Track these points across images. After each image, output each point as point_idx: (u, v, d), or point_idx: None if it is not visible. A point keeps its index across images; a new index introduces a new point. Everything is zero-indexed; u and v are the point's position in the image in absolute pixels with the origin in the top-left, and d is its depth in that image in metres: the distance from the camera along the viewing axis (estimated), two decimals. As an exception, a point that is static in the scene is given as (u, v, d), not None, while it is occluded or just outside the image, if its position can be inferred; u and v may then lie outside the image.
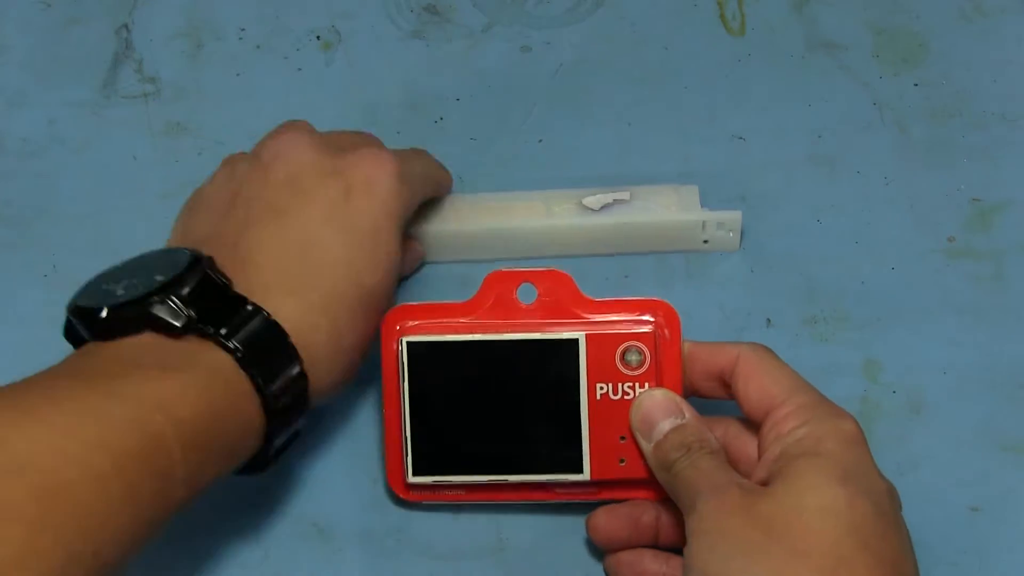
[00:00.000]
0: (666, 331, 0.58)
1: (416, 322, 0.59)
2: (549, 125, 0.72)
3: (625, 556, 0.58)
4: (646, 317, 0.58)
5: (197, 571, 0.60)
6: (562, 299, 0.59)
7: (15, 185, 0.70)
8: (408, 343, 0.58)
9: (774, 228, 0.68)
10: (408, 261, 0.65)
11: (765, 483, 0.52)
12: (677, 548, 0.58)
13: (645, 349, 0.57)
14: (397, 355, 0.58)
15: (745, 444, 0.56)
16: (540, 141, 0.71)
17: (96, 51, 0.73)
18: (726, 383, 0.57)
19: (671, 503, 0.56)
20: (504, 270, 0.59)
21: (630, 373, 0.57)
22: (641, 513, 0.58)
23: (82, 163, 0.70)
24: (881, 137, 0.71)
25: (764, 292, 0.66)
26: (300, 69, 0.73)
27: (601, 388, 0.57)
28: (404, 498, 0.60)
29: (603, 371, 0.57)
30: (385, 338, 0.59)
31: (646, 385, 0.57)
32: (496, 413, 0.58)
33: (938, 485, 0.58)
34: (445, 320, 0.59)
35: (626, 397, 0.57)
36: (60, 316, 0.66)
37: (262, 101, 0.72)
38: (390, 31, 0.74)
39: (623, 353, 0.57)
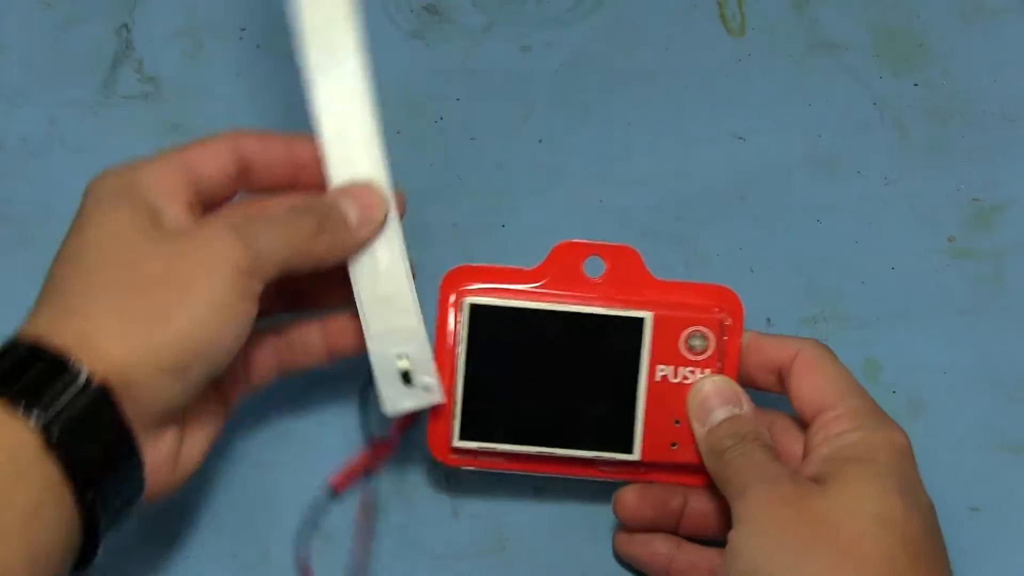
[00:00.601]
0: (729, 320, 0.58)
1: (478, 285, 0.59)
2: (549, 125, 0.72)
3: (638, 535, 0.58)
4: (713, 302, 0.58)
5: (197, 571, 0.60)
6: (629, 276, 0.59)
7: (15, 185, 0.70)
8: (471, 305, 0.58)
9: (774, 228, 0.68)
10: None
11: (815, 479, 0.53)
12: (695, 538, 0.58)
13: (711, 335, 0.57)
14: (456, 315, 0.58)
15: (791, 441, 0.57)
16: (540, 141, 0.71)
17: (96, 51, 0.73)
18: (782, 377, 0.57)
19: (701, 493, 0.57)
20: (573, 241, 0.59)
21: (692, 358, 0.57)
22: (670, 497, 0.58)
23: (82, 163, 0.70)
24: (881, 137, 0.71)
25: (764, 292, 0.66)
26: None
27: (661, 370, 0.57)
28: (444, 462, 0.59)
29: (666, 353, 0.57)
30: (443, 297, 0.58)
31: (707, 371, 0.57)
32: (550, 384, 0.58)
33: (938, 485, 0.58)
34: (508, 285, 0.59)
35: (685, 381, 0.57)
36: (60, 316, 0.66)
37: (262, 101, 0.72)
38: (390, 31, 0.74)
39: (688, 337, 0.57)
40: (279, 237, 0.53)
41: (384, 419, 0.58)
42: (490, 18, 0.75)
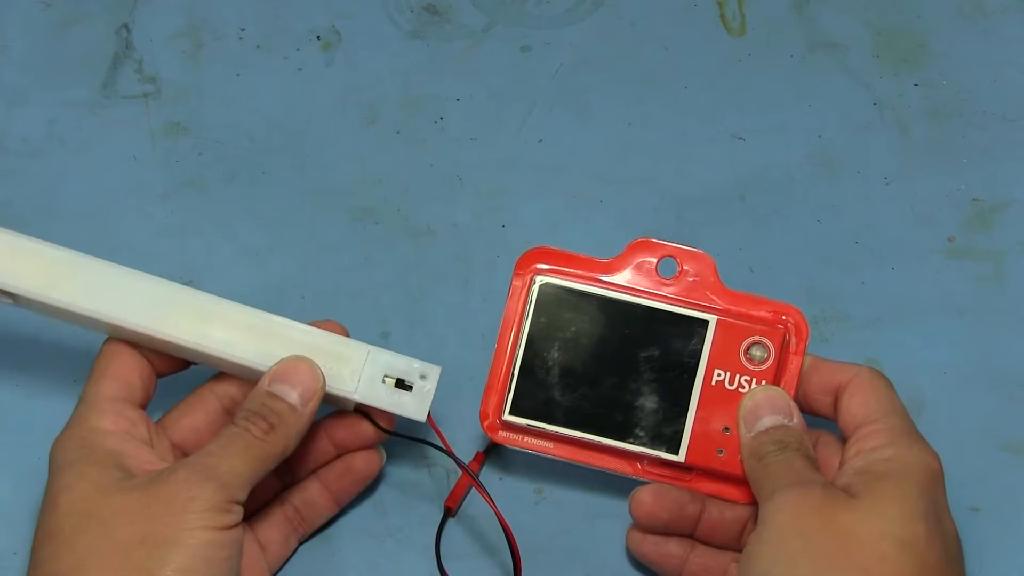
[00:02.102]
0: (793, 338, 0.58)
1: (552, 266, 0.59)
2: (549, 125, 0.72)
3: (651, 535, 0.58)
4: (779, 318, 0.59)
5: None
6: (700, 280, 0.59)
7: (15, 185, 0.70)
8: (541, 283, 0.59)
9: (774, 228, 0.68)
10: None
11: (846, 490, 0.53)
12: (711, 544, 0.58)
13: (771, 347, 0.58)
14: (526, 291, 0.59)
15: (831, 454, 0.57)
16: (540, 141, 0.71)
17: (96, 51, 0.73)
18: (837, 399, 0.57)
19: (722, 501, 0.57)
20: (650, 240, 0.60)
21: (751, 367, 0.58)
22: (688, 501, 0.58)
23: (82, 163, 0.70)
24: (881, 137, 0.71)
25: (764, 292, 0.66)
26: (300, 69, 0.73)
27: (719, 375, 0.58)
28: (492, 438, 0.59)
29: (725, 358, 0.58)
30: (517, 272, 0.59)
31: (763, 382, 0.58)
32: (607, 373, 0.58)
33: (938, 485, 0.58)
34: (582, 271, 0.59)
35: (741, 389, 0.58)
36: (60, 316, 0.66)
37: (262, 101, 0.72)
38: (390, 31, 0.74)
39: (749, 346, 0.58)
40: (240, 456, 0.53)
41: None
42: (490, 18, 0.75)
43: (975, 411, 0.64)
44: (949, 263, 0.67)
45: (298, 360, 0.56)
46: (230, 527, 0.52)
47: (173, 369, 0.58)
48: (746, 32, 0.74)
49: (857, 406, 0.56)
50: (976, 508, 0.61)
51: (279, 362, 0.56)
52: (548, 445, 0.59)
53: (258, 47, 0.74)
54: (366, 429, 0.58)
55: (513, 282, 0.60)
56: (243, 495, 0.53)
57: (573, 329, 0.59)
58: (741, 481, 0.57)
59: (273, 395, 0.55)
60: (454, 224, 0.69)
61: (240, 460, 0.53)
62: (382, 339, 0.66)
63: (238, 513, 0.53)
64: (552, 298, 0.59)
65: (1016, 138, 0.71)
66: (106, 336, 0.57)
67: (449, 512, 0.60)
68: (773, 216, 0.69)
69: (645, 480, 0.58)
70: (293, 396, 0.55)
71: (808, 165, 0.70)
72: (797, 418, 0.57)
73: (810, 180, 0.70)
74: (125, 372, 0.56)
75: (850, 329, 0.66)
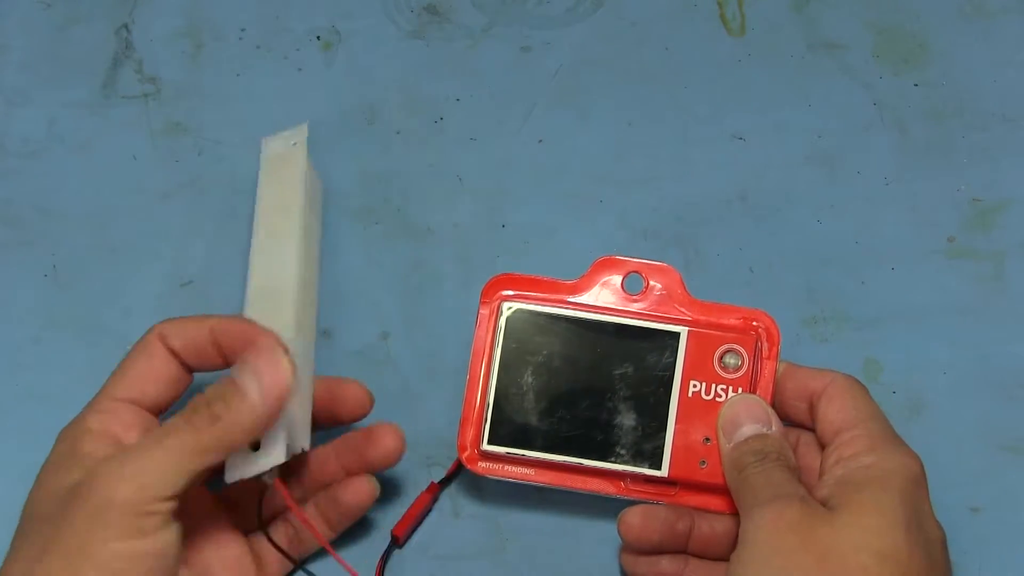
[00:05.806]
0: (765, 344, 0.58)
1: (518, 291, 0.59)
2: (549, 125, 0.72)
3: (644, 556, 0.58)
4: (750, 324, 0.59)
5: (197, 571, 0.60)
6: (668, 294, 0.59)
7: (15, 185, 0.70)
8: (509, 309, 0.59)
9: (774, 228, 0.68)
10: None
11: (825, 502, 0.53)
12: (705, 558, 0.58)
13: (745, 354, 0.58)
14: (494, 319, 0.59)
15: (814, 456, 0.57)
16: (540, 141, 0.71)
17: (96, 51, 0.73)
18: (813, 405, 0.57)
19: (709, 515, 0.57)
20: (615, 257, 0.60)
21: (726, 376, 0.58)
22: (677, 519, 0.57)
23: (82, 163, 0.70)
24: (881, 137, 0.71)
25: (764, 292, 0.66)
26: (300, 69, 0.73)
27: (694, 386, 0.58)
28: (473, 470, 0.59)
29: (699, 369, 0.58)
30: (483, 301, 0.59)
31: (739, 389, 0.58)
32: (583, 394, 0.58)
33: (938, 485, 0.58)
34: (548, 294, 0.59)
35: (718, 399, 0.58)
36: (60, 316, 0.66)
37: (262, 101, 0.72)
38: (390, 31, 0.74)
39: (722, 355, 0.58)
40: (170, 452, 0.50)
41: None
42: (490, 18, 0.75)
43: (975, 411, 0.64)
44: (949, 263, 0.67)
45: (275, 349, 0.52)
46: (150, 534, 0.49)
47: (215, 365, 0.56)
48: (746, 32, 0.74)
49: (835, 412, 0.56)
50: (976, 508, 0.61)
51: (257, 354, 0.52)
52: (529, 472, 0.59)
53: (258, 47, 0.74)
54: (373, 452, 0.57)
55: (480, 311, 0.59)
56: (168, 492, 0.50)
57: (545, 352, 0.59)
58: (726, 491, 0.57)
59: (232, 382, 0.52)
60: (454, 224, 0.69)
61: (169, 456, 0.50)
62: (382, 339, 0.66)
63: (162, 514, 0.50)
64: (521, 323, 0.59)
65: (1016, 138, 0.71)
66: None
67: (396, 541, 0.59)
68: (773, 216, 0.69)
69: (630, 499, 0.58)
70: (253, 388, 0.51)
71: (808, 165, 0.70)
72: (776, 425, 0.57)
73: (810, 180, 0.70)
74: (142, 373, 0.55)
75: (850, 329, 0.66)
